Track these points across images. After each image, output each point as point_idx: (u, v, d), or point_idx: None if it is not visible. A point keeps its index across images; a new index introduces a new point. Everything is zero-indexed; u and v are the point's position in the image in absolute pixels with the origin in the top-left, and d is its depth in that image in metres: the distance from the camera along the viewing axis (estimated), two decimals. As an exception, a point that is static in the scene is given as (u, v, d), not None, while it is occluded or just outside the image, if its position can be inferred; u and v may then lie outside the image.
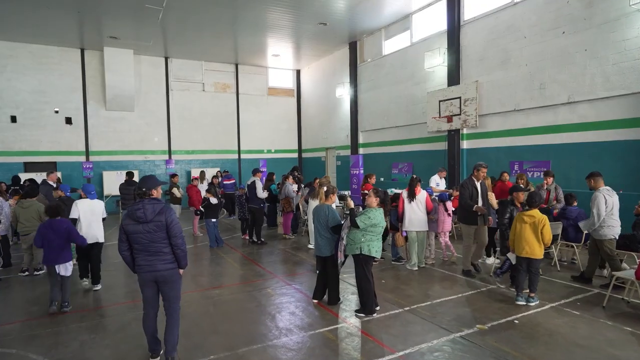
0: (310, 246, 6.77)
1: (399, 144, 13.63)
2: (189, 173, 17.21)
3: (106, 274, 7.08)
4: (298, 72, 20.01)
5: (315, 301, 5.36)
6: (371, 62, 14.73)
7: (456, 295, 5.54)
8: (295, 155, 20.37)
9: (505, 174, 8.25)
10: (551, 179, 7.66)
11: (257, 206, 9.18)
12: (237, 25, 13.38)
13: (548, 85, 8.87)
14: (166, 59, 16.88)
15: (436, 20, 11.89)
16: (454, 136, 11.23)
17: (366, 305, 4.79)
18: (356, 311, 4.91)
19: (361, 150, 15.70)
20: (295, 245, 9.18)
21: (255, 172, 9.51)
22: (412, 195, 6.77)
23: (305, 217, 10.45)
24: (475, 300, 5.31)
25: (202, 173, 14.07)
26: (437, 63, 11.51)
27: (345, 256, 4.96)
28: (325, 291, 5.38)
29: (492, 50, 10.12)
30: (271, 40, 15.15)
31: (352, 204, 4.87)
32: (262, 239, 9.39)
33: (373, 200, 4.83)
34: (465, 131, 11.11)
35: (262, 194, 9.18)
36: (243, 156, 18.87)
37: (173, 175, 11.32)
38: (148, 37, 14.11)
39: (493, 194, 7.34)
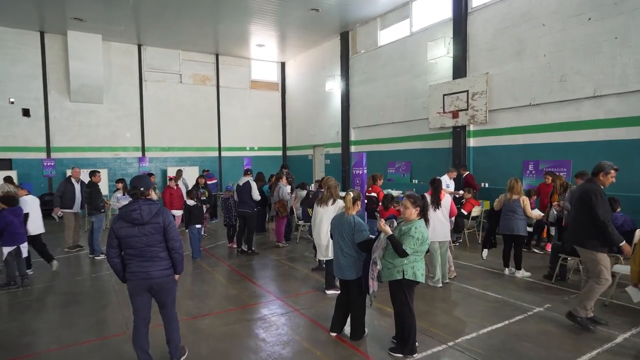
0: (322, 258, 5.66)
1: (396, 141, 12.70)
2: (164, 172, 15.75)
3: (64, 297, 5.74)
4: (283, 64, 18.82)
5: (334, 334, 4.29)
6: (365, 53, 13.74)
7: (502, 322, 4.58)
8: (280, 153, 19.19)
9: (549, 176, 7.49)
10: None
11: (249, 211, 8.00)
12: (219, 10, 12.11)
13: (570, 77, 8.10)
14: (139, 46, 15.34)
15: (439, 7, 11.00)
16: (459, 133, 10.38)
17: (407, 343, 3.75)
18: (391, 350, 3.86)
19: (353, 148, 14.71)
20: (291, 255, 8.07)
21: (247, 172, 8.34)
22: (437, 202, 5.80)
23: (300, 221, 9.39)
24: (530, 329, 4.37)
25: (179, 172, 12.73)
26: (441, 54, 10.62)
27: (380, 281, 3.90)
28: (346, 322, 4.33)
29: (504, 40, 9.29)
30: (255, 28, 13.93)
31: (388, 229, 3.76)
32: (253, 248, 8.23)
33: (412, 212, 3.77)
34: (472, 128, 10.27)
35: (257, 196, 8.03)
36: (224, 154, 17.54)
37: (149, 175, 9.97)
38: (119, 20, 12.63)
39: (527, 199, 6.46)
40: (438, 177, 6.06)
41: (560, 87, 8.29)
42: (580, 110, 8.07)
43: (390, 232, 3.74)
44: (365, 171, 8.66)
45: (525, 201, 6.40)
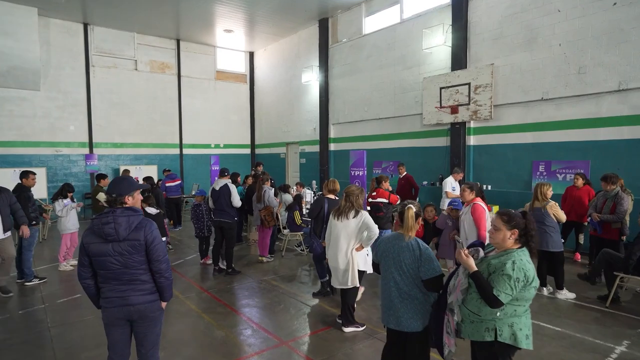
0: (339, 286, 4.35)
1: (383, 139, 11.61)
2: (116, 171, 13.71)
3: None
4: (251, 54, 17.24)
5: (381, 406, 3.02)
6: (347, 42, 12.54)
7: (587, 371, 3.52)
8: (248, 151, 17.60)
9: (579, 177, 6.63)
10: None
11: (229, 220, 6.54)
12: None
13: (590, 69, 7.34)
14: (85, 25, 13.19)
15: (435, -8, 10.02)
16: (458, 130, 9.43)
17: None
18: None
19: (332, 146, 13.50)
20: (280, 274, 6.68)
21: (223, 173, 6.84)
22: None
23: (285, 230, 8.04)
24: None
25: (125, 172, 10.96)
26: (438, 43, 9.62)
27: (461, 337, 2.66)
28: (396, 386, 3.06)
29: (512, 27, 8.43)
30: (222, 10, 12.36)
31: (472, 262, 2.52)
32: (233, 266, 6.76)
33: (506, 236, 2.55)
34: (472, 124, 9.35)
35: (238, 202, 6.60)
36: (186, 151, 15.69)
37: (101, 177, 8.10)
38: (59, -9, 10.59)
39: (555, 204, 5.47)
40: (475, 182, 4.96)
41: (578, 80, 7.51)
42: (601, 106, 7.33)
43: (475, 268, 2.52)
44: (365, 172, 7.50)
45: (552, 207, 5.38)
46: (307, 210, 9.17)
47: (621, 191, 5.77)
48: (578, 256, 7.12)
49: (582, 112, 7.58)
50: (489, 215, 4.63)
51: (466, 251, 2.61)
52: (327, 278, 5.55)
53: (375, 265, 3.09)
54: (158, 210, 7.00)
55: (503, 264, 2.47)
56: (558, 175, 7.94)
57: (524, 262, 2.46)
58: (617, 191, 5.75)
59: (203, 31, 14.37)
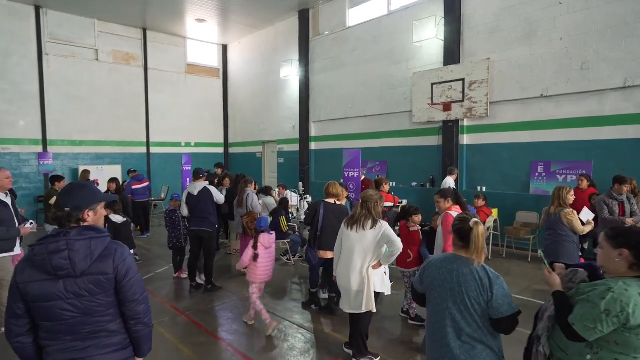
0: (350, 311, 3.62)
1: (369, 137, 10.99)
2: (75, 171, 12.39)
3: None
4: (225, 47, 16.22)
5: None
6: (330, 35, 11.84)
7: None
8: (221, 150, 16.56)
9: (583, 179, 6.14)
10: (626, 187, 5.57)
11: (209, 229, 5.68)
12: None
13: (594, 65, 6.99)
14: (37, 8, 11.79)
15: (425, -17, 9.49)
16: (451, 128, 8.95)
17: None
18: None
19: (313, 145, 12.78)
20: (268, 289, 5.81)
21: (198, 174, 5.93)
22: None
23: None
24: None
25: (85, 172, 9.86)
26: (429, 36, 9.09)
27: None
28: None
29: (509, 21, 8.01)
30: (193, -1, 11.40)
31: (556, 279, 1.97)
32: (213, 281, 5.90)
33: (611, 256, 1.89)
34: (466, 123, 8.89)
35: (222, 199, 5.83)
36: (153, 150, 14.49)
37: (57, 179, 6.96)
38: (6, -34, 9.29)
39: (572, 212, 4.85)
40: (450, 187, 4.27)
41: (580, 76, 7.16)
42: (604, 104, 6.99)
43: (558, 286, 1.94)
44: (360, 173, 6.82)
45: (566, 215, 4.78)
46: (292, 214, 8.42)
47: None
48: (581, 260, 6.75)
49: (584, 110, 7.23)
50: None
51: (558, 267, 2.02)
52: (319, 289, 4.89)
53: (419, 295, 2.38)
54: (125, 219, 6.10)
55: (594, 289, 1.86)
56: (558, 176, 7.57)
57: (628, 294, 1.77)
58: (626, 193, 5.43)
59: (172, 20, 13.28)
